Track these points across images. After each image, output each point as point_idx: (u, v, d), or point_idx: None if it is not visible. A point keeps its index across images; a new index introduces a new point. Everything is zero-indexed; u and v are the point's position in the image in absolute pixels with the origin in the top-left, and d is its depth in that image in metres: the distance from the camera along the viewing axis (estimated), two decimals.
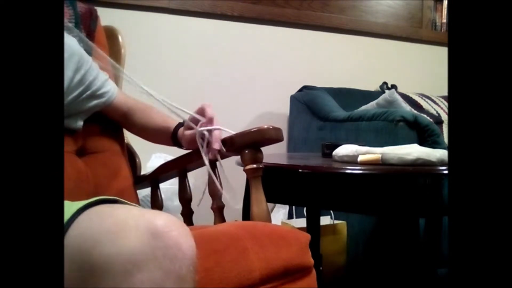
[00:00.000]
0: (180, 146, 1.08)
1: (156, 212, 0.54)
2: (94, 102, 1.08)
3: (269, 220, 0.96)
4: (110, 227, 0.51)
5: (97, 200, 0.57)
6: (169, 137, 1.08)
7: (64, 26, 1.15)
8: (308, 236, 0.89)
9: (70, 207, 0.54)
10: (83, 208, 0.54)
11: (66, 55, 0.99)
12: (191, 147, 1.03)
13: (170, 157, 1.61)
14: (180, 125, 1.07)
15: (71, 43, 1.03)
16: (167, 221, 0.52)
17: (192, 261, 0.52)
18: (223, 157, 1.03)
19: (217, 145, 0.95)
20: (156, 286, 0.49)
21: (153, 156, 1.78)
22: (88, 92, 1.05)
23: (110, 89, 1.11)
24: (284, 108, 2.24)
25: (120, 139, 1.20)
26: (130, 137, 1.27)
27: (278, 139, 0.98)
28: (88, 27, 1.22)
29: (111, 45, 1.31)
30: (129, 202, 0.61)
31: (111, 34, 1.32)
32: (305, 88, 2.19)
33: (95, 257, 0.49)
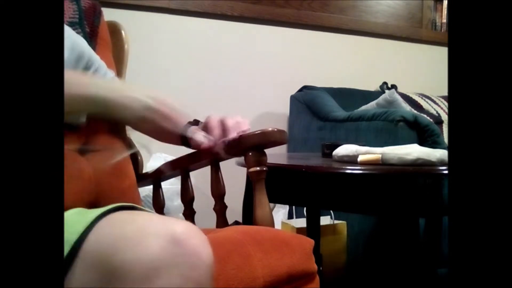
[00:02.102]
0: (187, 144, 1.07)
1: (175, 220, 0.54)
2: None
3: (272, 223, 0.96)
4: (131, 233, 0.51)
5: (115, 206, 0.57)
6: (178, 135, 1.07)
7: (70, 24, 1.15)
8: (312, 242, 0.89)
9: (88, 213, 0.55)
10: (102, 215, 0.55)
11: (75, 54, 0.99)
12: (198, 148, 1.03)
13: (170, 157, 1.62)
14: (190, 123, 1.07)
15: (81, 42, 1.03)
16: (187, 229, 0.53)
17: (210, 268, 0.53)
18: (225, 158, 1.03)
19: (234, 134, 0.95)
20: None
21: (153, 156, 1.79)
22: None
23: None
24: (284, 108, 2.24)
25: (123, 137, 1.20)
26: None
27: (282, 142, 0.98)
28: (92, 22, 1.21)
29: (115, 40, 1.31)
30: (147, 209, 0.62)
31: (114, 30, 1.32)
32: (305, 88, 2.19)
33: (115, 263, 0.49)
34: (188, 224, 0.54)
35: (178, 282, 0.50)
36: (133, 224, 0.53)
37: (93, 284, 0.50)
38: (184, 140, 1.07)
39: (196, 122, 1.08)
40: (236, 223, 1.77)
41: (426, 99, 2.39)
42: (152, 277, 0.49)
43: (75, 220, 0.54)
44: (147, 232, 0.51)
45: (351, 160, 1.12)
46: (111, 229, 0.53)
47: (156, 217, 0.55)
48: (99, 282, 0.50)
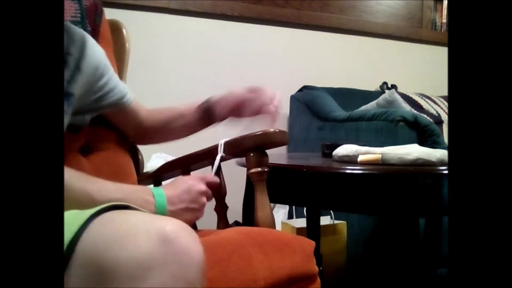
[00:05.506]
0: (210, 117, 1.06)
1: (166, 218, 0.55)
2: (109, 108, 1.05)
3: (273, 224, 0.96)
4: (122, 233, 0.51)
5: (109, 206, 0.57)
6: (199, 111, 1.07)
7: (72, 23, 1.14)
8: (312, 244, 0.88)
9: (82, 213, 0.55)
10: (95, 214, 0.55)
11: (94, 62, 0.95)
12: (229, 114, 1.03)
13: (170, 157, 1.62)
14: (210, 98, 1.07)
15: (99, 50, 1.00)
16: (177, 227, 0.53)
17: (201, 266, 0.53)
18: (225, 159, 1.03)
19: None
20: None
21: (153, 156, 1.78)
22: (104, 103, 1.02)
23: (126, 95, 1.08)
24: (284, 108, 2.24)
25: (123, 137, 1.20)
26: None
27: (284, 143, 0.97)
28: (93, 21, 1.21)
29: (116, 39, 1.30)
30: (141, 208, 0.62)
31: (115, 28, 1.31)
32: (305, 88, 2.19)
33: (106, 262, 0.49)
34: (179, 222, 0.54)
35: (169, 281, 0.50)
36: (124, 223, 0.53)
37: (86, 284, 0.50)
38: (206, 112, 1.07)
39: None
40: (236, 223, 1.76)
41: (426, 99, 2.39)
42: (142, 276, 0.49)
43: (70, 220, 0.54)
44: (138, 231, 0.51)
45: (351, 160, 1.12)
46: (103, 229, 0.53)
47: (147, 216, 0.55)
48: (92, 282, 0.50)
